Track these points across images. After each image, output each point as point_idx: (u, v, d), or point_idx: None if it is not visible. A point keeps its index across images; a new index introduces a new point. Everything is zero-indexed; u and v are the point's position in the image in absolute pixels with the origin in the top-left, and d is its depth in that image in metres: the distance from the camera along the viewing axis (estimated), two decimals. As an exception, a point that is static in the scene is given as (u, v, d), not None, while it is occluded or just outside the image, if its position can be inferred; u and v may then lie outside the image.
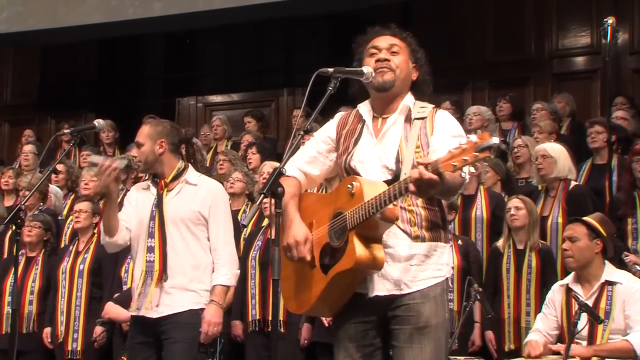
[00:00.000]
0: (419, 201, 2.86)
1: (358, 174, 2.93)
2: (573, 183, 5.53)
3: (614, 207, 5.36)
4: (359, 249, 2.74)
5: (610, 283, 4.23)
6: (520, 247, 5.12)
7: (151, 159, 3.94)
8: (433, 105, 3.00)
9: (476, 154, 2.41)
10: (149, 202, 3.96)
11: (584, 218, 4.43)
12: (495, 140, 2.39)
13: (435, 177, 2.50)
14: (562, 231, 5.22)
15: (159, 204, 3.91)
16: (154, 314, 3.85)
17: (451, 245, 5.06)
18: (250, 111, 8.83)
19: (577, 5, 8.71)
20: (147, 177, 4.38)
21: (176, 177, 3.96)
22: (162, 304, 3.85)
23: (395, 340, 2.86)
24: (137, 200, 4.04)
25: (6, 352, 5.41)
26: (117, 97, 10.83)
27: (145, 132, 3.99)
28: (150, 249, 3.88)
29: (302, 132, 2.82)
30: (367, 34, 3.07)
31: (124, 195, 4.69)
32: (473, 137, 2.43)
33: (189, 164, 4.05)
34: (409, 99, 3.00)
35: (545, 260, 5.07)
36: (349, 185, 2.81)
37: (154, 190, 3.99)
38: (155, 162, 3.95)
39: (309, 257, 2.87)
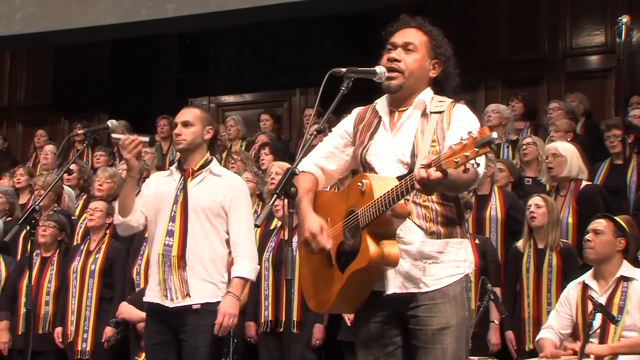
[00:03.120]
0: (434, 197, 2.83)
1: (373, 169, 2.92)
2: (584, 183, 5.48)
3: (638, 206, 5.33)
4: (372, 248, 2.72)
5: (626, 279, 4.23)
6: (540, 246, 5.07)
7: (198, 141, 3.98)
8: (452, 100, 2.96)
9: (476, 149, 2.40)
10: (170, 187, 3.95)
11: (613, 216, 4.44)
12: (494, 135, 2.39)
13: (439, 174, 2.48)
14: (573, 231, 5.23)
15: (184, 188, 3.91)
16: (170, 303, 3.82)
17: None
18: (268, 110, 8.84)
19: (591, 4, 8.66)
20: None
21: (202, 167, 3.98)
22: (181, 293, 3.82)
23: (416, 340, 2.84)
24: (157, 186, 4.03)
25: (22, 352, 5.46)
26: (130, 97, 10.87)
27: (196, 114, 4.03)
28: (170, 233, 3.86)
29: (314, 133, 2.81)
30: (395, 24, 3.03)
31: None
32: (474, 132, 2.42)
33: (214, 158, 4.08)
34: (426, 94, 2.96)
35: (567, 259, 5.01)
36: (359, 184, 2.80)
37: (176, 176, 3.99)
38: (198, 146, 3.98)
39: (328, 246, 2.85)
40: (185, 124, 3.98)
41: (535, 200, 5.10)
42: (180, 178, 3.98)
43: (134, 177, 3.90)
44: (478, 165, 2.49)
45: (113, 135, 4.06)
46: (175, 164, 4.09)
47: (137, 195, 4.04)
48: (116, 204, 4.01)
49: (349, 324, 4.99)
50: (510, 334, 5.12)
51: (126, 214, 3.92)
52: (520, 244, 5.17)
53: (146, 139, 3.91)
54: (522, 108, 7.56)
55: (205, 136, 3.98)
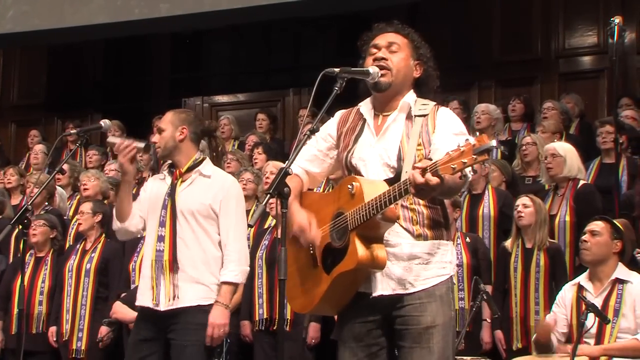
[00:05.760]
0: (421, 200, 2.84)
1: (359, 172, 2.93)
2: (582, 182, 5.51)
3: (625, 206, 5.35)
4: (361, 250, 2.74)
5: (622, 281, 4.25)
6: (528, 246, 5.10)
7: (171, 144, 3.93)
8: (435, 103, 2.98)
9: (474, 156, 2.41)
10: (162, 191, 3.94)
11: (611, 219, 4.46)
12: (493, 142, 2.40)
13: (436, 180, 2.50)
14: (570, 230, 5.26)
15: (171, 192, 3.89)
16: (162, 307, 3.81)
17: (459, 243, 5.11)
18: (265, 110, 8.83)
19: (584, 4, 8.68)
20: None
21: (191, 168, 3.94)
22: (171, 296, 3.80)
23: (402, 340, 2.85)
24: (152, 190, 4.01)
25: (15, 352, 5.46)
26: (123, 97, 10.84)
27: (168, 118, 3.99)
28: (160, 238, 3.85)
29: (308, 133, 2.82)
30: (371, 31, 3.07)
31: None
32: (471, 139, 2.43)
33: (207, 157, 4.03)
34: (409, 97, 2.99)
35: (555, 259, 5.05)
36: (349, 186, 2.81)
37: (169, 180, 3.97)
38: (174, 149, 3.93)
39: (318, 240, 2.85)
40: (160, 131, 3.97)
41: (523, 200, 5.13)
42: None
43: (129, 182, 3.88)
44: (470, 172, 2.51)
45: (109, 140, 4.05)
46: (167, 167, 4.07)
47: (135, 200, 4.03)
48: (114, 210, 3.99)
49: None
50: (499, 333, 5.14)
51: (124, 219, 3.91)
52: (508, 243, 5.20)
53: (142, 144, 3.89)
54: (522, 109, 7.56)
55: (178, 137, 3.92)
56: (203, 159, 3.99)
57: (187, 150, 3.95)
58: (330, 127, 3.11)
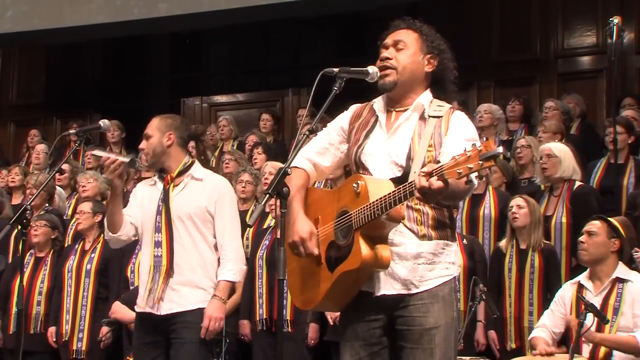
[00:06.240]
0: None
1: (367, 168, 2.92)
2: (578, 183, 5.51)
3: (630, 205, 5.35)
4: (365, 250, 2.74)
5: (622, 280, 4.26)
6: (523, 246, 5.11)
7: (159, 150, 3.93)
8: (450, 105, 2.97)
9: (481, 162, 2.40)
10: (155, 197, 3.94)
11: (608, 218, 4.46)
12: (500, 149, 2.39)
13: (440, 184, 2.49)
14: (566, 231, 5.26)
15: (165, 198, 3.89)
16: (162, 311, 3.82)
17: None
18: (269, 110, 8.83)
19: (583, 4, 8.69)
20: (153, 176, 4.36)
21: (182, 172, 3.94)
22: (170, 300, 3.81)
23: (404, 340, 2.85)
24: (143, 196, 4.02)
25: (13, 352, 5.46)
26: (122, 97, 10.84)
27: (154, 124, 3.99)
28: (157, 244, 3.86)
29: (307, 133, 2.82)
30: (385, 32, 3.05)
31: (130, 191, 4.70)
32: (478, 145, 2.42)
33: (196, 160, 4.04)
34: (425, 97, 2.97)
35: (549, 260, 5.06)
36: (354, 185, 2.80)
37: (160, 185, 3.97)
38: (162, 155, 3.93)
39: (316, 252, 2.86)
40: (147, 137, 3.97)
41: (517, 201, 5.14)
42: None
43: (118, 195, 3.87)
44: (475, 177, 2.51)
45: (94, 153, 4.04)
46: (157, 173, 4.06)
47: (125, 206, 4.03)
48: (105, 220, 4.00)
49: (332, 324, 5.01)
50: (492, 334, 5.15)
51: (116, 230, 3.91)
52: (502, 244, 5.20)
53: (127, 159, 3.88)
54: (521, 110, 7.57)
55: (165, 143, 3.92)
56: (192, 162, 3.99)
57: (176, 155, 3.96)
58: (343, 121, 3.09)
